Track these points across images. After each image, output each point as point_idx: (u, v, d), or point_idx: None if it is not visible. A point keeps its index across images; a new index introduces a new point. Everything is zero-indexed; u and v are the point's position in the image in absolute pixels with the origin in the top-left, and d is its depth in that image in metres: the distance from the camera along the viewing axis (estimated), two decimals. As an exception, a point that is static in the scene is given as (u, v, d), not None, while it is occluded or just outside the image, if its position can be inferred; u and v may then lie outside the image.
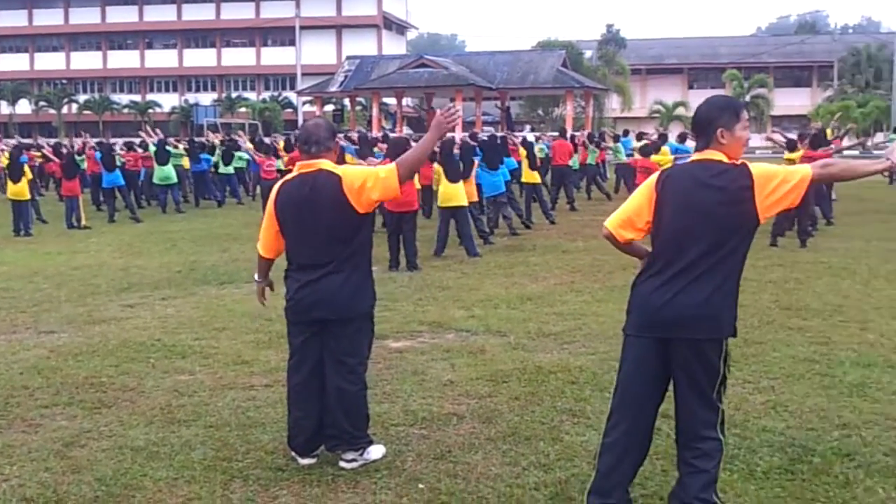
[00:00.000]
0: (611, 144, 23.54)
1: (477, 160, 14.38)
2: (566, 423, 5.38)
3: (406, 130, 37.88)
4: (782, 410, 5.54)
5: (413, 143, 12.65)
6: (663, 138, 20.73)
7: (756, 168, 3.76)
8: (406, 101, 47.43)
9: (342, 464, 4.71)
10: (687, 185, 3.81)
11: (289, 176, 4.83)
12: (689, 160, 3.98)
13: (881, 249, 12.83)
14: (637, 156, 17.40)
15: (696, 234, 3.73)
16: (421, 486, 4.48)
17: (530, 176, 17.13)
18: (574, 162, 21.26)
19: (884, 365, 6.55)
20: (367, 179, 4.55)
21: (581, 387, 6.06)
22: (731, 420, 5.26)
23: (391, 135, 24.70)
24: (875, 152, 41.61)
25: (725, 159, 3.78)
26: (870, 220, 16.86)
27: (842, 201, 18.62)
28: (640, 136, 23.03)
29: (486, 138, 18.35)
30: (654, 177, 3.95)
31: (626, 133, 26.84)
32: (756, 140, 43.60)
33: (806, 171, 3.77)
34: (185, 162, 22.90)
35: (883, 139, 36.61)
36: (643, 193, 3.92)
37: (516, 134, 25.03)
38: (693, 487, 3.79)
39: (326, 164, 4.65)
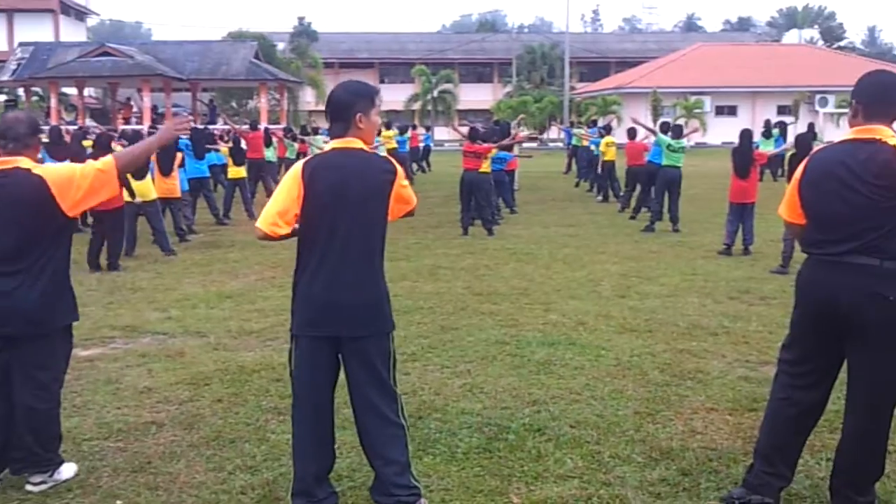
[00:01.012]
0: (307, 138, 23.55)
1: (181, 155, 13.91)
2: (272, 421, 5.31)
3: (89, 122, 35.49)
4: (478, 392, 5.81)
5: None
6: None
7: (400, 170, 3.91)
8: (89, 91, 44.40)
9: (29, 487, 4.32)
10: (332, 175, 3.78)
11: None
12: (329, 148, 3.92)
13: (560, 235, 13.92)
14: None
15: (340, 227, 3.74)
16: (118, 502, 4.22)
17: (235, 172, 16.81)
18: (271, 155, 21.05)
19: (566, 343, 7.09)
20: (75, 175, 4.19)
21: (286, 384, 5.93)
22: (432, 405, 5.48)
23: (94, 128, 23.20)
24: (550, 145, 45.08)
25: (365, 147, 3.86)
26: (548, 208, 18.19)
27: (522, 191, 19.92)
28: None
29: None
30: (298, 167, 3.84)
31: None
32: (443, 133, 45.57)
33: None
34: None
35: (557, 134, 39.50)
36: (289, 186, 3.80)
37: (221, 127, 24.36)
38: (389, 477, 3.86)
39: (26, 162, 4.24)
